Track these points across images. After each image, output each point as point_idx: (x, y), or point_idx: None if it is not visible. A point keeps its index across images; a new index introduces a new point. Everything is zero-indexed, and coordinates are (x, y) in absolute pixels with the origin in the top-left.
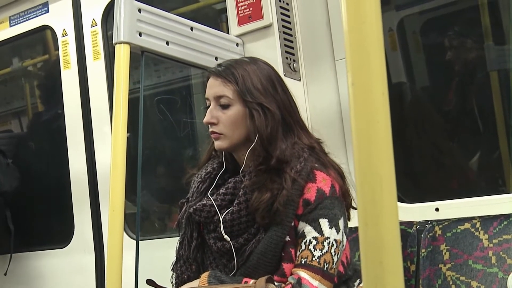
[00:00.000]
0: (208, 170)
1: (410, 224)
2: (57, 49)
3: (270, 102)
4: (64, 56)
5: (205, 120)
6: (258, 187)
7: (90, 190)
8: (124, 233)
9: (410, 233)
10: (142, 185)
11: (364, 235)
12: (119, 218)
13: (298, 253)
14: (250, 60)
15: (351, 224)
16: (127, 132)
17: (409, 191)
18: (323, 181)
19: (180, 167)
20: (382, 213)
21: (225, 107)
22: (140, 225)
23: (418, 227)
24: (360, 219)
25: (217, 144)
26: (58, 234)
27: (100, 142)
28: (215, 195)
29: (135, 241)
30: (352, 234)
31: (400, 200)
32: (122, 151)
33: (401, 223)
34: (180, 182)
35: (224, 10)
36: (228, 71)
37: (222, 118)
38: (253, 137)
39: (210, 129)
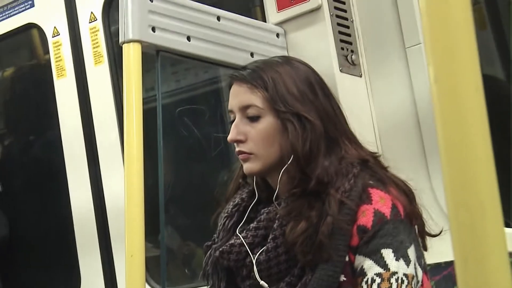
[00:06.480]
0: (236, 201)
1: None
2: (47, 52)
3: (308, 110)
4: (57, 61)
5: (229, 137)
6: (294, 216)
7: (98, 230)
8: (146, 284)
9: None
10: (166, 221)
11: (463, 277)
12: (139, 264)
13: None
14: (282, 59)
15: (429, 257)
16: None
17: None
18: (381, 201)
19: (213, 196)
20: (485, 247)
21: (253, 119)
22: (166, 272)
23: None
24: (456, 256)
25: (247, 167)
26: None
27: (108, 168)
28: (244, 231)
29: None
30: (443, 271)
31: None
32: (139, 178)
33: None
34: (213, 214)
35: None
36: (255, 74)
37: (251, 134)
38: (287, 156)
39: (237, 149)
